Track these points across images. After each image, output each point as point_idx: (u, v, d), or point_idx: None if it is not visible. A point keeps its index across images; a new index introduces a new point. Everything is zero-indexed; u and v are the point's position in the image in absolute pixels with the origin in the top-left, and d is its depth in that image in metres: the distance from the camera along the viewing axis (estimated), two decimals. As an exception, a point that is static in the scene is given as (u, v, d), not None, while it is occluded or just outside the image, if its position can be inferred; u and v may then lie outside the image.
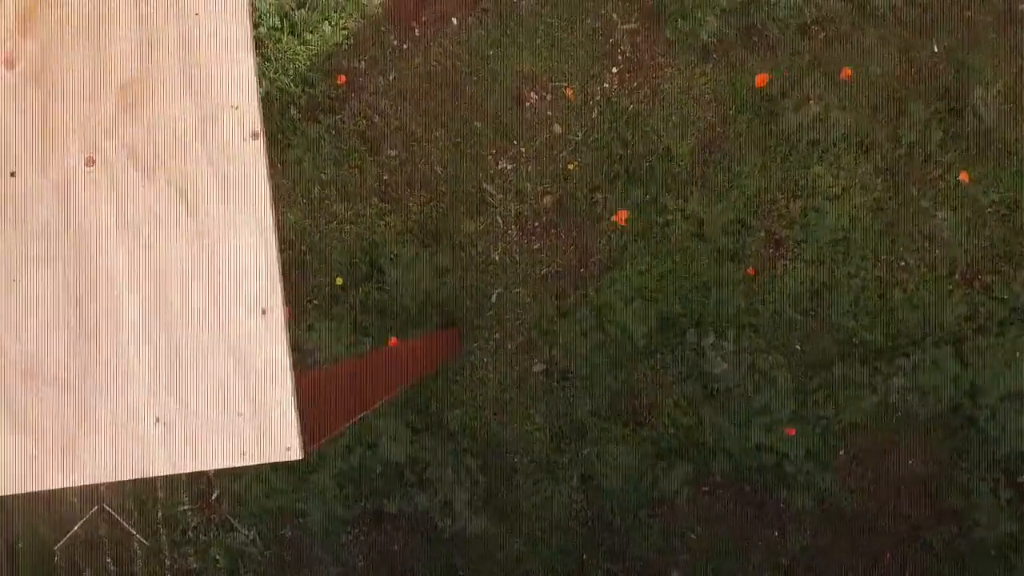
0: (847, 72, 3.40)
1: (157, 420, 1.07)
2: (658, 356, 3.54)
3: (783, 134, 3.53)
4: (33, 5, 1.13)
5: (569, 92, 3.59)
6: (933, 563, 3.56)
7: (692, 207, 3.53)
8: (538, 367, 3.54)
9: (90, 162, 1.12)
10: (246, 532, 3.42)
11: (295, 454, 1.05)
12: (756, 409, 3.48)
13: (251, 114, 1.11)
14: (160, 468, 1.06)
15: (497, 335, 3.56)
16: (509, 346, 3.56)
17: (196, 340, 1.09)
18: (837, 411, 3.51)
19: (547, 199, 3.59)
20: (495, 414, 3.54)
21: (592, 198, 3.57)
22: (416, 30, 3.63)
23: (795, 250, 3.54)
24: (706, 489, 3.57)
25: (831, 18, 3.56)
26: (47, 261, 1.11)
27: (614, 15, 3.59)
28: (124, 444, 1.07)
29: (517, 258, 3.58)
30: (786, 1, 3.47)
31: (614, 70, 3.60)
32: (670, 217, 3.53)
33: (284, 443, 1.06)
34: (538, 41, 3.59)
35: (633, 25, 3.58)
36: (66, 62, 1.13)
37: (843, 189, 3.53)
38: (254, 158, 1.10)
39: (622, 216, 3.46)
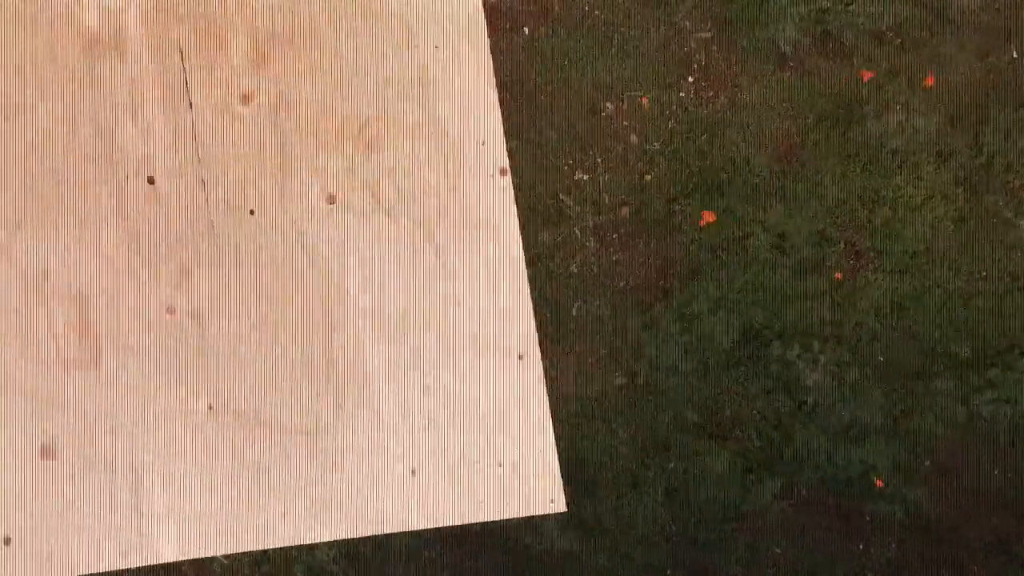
0: (930, 80, 3.36)
1: (413, 472, 1.02)
2: (742, 368, 3.49)
3: (863, 143, 3.49)
4: (268, 40, 1.09)
5: (644, 102, 3.54)
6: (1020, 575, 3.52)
7: (772, 218, 3.48)
8: (620, 380, 3.49)
9: (331, 200, 1.07)
10: (327, 550, 3.37)
11: (559, 506, 1.00)
12: (845, 422, 3.43)
13: (498, 149, 1.06)
14: (417, 521, 1.01)
15: (577, 348, 3.51)
16: (590, 360, 3.51)
17: (449, 387, 1.04)
18: (924, 423, 3.46)
19: (625, 210, 3.54)
20: (577, 428, 3.49)
21: (670, 209, 3.52)
22: (488, 41, 3.59)
23: (876, 261, 3.50)
24: (792, 503, 3.53)
25: (907, 24, 3.51)
26: (288, 301, 1.06)
27: (687, 23, 3.54)
28: (376, 496, 1.02)
29: (596, 270, 3.53)
30: (862, 8, 3.43)
31: (690, 79, 3.55)
32: (749, 229, 3.49)
33: (547, 495, 1.01)
34: (612, 51, 3.54)
35: (707, 34, 3.53)
36: (303, 99, 1.08)
37: (924, 199, 3.48)
38: (503, 195, 1.05)
39: (709, 217, 3.41)
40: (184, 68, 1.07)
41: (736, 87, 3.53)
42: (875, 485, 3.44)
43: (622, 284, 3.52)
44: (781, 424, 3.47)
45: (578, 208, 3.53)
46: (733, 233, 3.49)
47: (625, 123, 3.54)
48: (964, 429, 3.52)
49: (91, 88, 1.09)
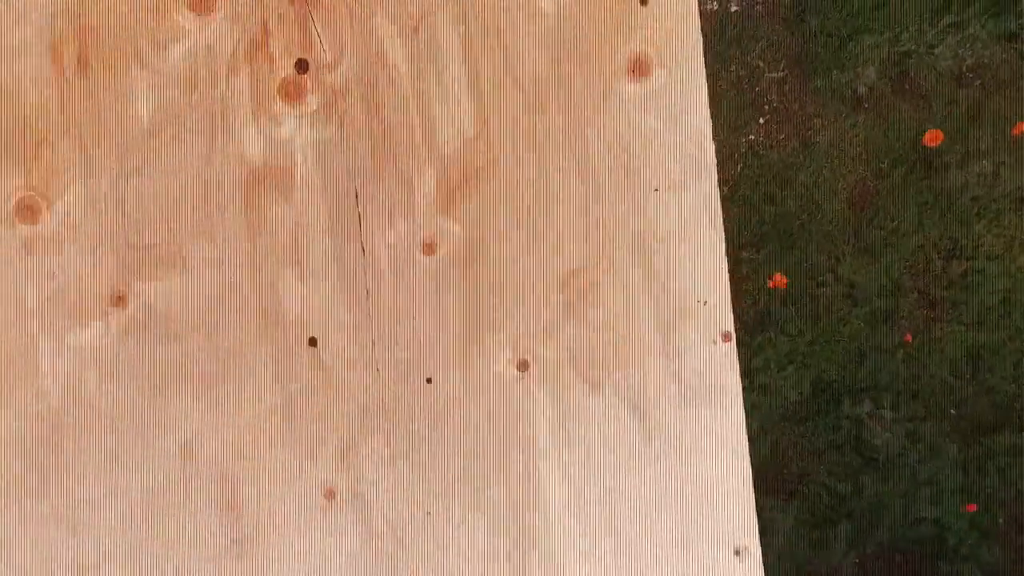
0: (1021, 127, 3.22)
1: None
2: (809, 423, 3.36)
3: (941, 189, 3.35)
4: (459, 177, 0.95)
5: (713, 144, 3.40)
6: (1096, 638, 3.39)
7: (844, 268, 3.35)
8: (684, 435, 3.36)
9: (523, 366, 0.93)
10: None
11: None
12: (921, 479, 3.30)
13: (723, 310, 0.92)
14: None
15: (640, 401, 3.38)
16: (653, 413, 3.38)
17: (656, 583, 0.91)
18: (1001, 480, 3.33)
19: (691, 257, 3.40)
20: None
21: (739, 256, 3.39)
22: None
23: (952, 312, 3.36)
24: (856, 560, 3.40)
25: (988, 65, 3.38)
26: (471, 480, 0.92)
27: (760, 63, 3.40)
28: None
29: (660, 320, 3.39)
30: (947, 51, 3.29)
31: (760, 121, 3.41)
32: (822, 278, 3.35)
33: None
34: (682, 90, 3.40)
35: (780, 73, 3.39)
36: (498, 248, 0.94)
37: (1004, 248, 3.35)
38: (725, 365, 0.92)
39: (781, 280, 3.28)
40: (359, 210, 0.93)
41: (809, 129, 3.39)
42: (968, 510, 3.30)
43: (688, 333, 3.38)
44: (850, 480, 3.34)
45: (643, 254, 3.40)
46: (804, 283, 3.35)
47: (693, 165, 3.40)
48: (1039, 487, 3.39)
49: (250, 231, 0.95)
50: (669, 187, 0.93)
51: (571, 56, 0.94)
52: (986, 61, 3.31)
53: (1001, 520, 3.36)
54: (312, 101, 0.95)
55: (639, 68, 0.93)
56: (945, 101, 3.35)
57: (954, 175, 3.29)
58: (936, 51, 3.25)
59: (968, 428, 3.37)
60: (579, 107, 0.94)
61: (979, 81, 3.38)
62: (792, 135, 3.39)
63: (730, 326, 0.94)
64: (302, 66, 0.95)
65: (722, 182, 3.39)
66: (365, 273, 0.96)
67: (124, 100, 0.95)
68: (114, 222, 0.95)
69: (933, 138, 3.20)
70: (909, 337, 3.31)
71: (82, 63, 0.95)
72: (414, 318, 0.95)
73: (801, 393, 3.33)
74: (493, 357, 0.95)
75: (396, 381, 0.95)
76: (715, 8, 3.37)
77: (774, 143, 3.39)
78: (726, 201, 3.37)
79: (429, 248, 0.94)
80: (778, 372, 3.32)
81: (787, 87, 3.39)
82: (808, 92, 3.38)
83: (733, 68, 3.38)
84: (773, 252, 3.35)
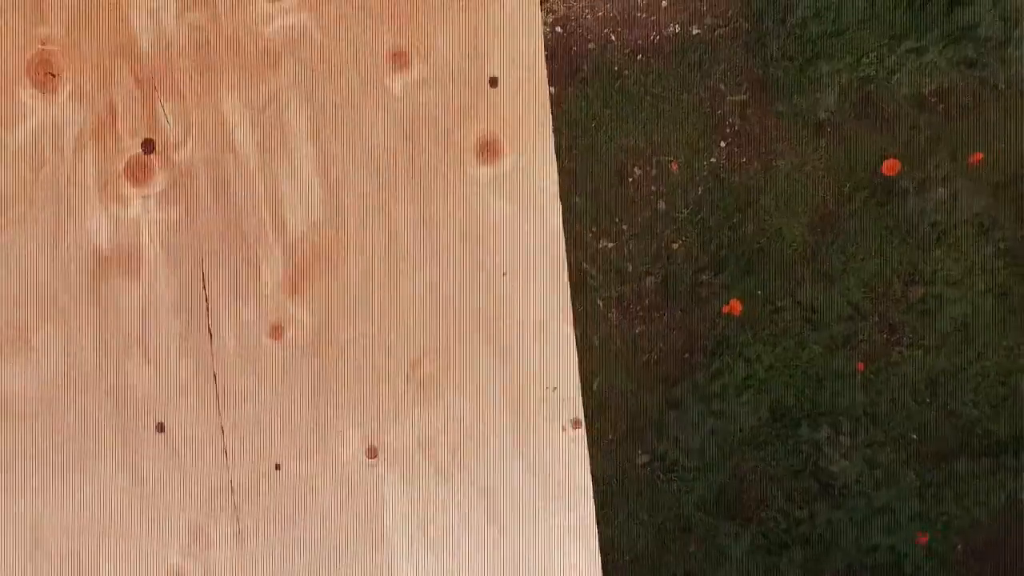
0: (978, 156, 3.21)
1: None
2: (768, 448, 3.35)
3: (902, 215, 3.34)
4: (306, 260, 0.94)
5: (674, 167, 3.39)
6: (1054, 666, 3.38)
7: (804, 292, 3.34)
8: (642, 459, 3.35)
9: (372, 453, 0.92)
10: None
11: None
12: (877, 507, 3.29)
13: (572, 397, 0.91)
14: None
15: (598, 425, 3.36)
16: (611, 436, 3.36)
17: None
18: (960, 507, 3.32)
19: (650, 280, 3.39)
20: (599, 508, 3.34)
21: (698, 279, 3.37)
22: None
23: (911, 336, 3.35)
24: (814, 586, 3.39)
25: (950, 90, 3.36)
26: (322, 568, 0.91)
27: (722, 86, 3.39)
28: None
29: (618, 343, 3.38)
30: (906, 78, 3.27)
31: (722, 144, 3.40)
32: (781, 303, 3.34)
33: None
34: (642, 113, 3.38)
35: (743, 97, 3.38)
36: (346, 333, 0.93)
37: (964, 273, 3.34)
38: (575, 453, 0.91)
39: (736, 306, 3.26)
40: (206, 293, 0.92)
41: (770, 153, 3.37)
42: (920, 542, 3.28)
43: (646, 358, 3.37)
44: (807, 506, 3.33)
45: (601, 277, 3.38)
46: (764, 307, 3.34)
47: (653, 189, 3.38)
48: (1000, 512, 3.37)
49: (97, 312, 0.93)
50: (518, 272, 0.92)
51: (420, 137, 0.93)
52: (946, 87, 3.29)
53: (959, 547, 3.35)
54: (159, 181, 0.94)
55: (489, 151, 0.92)
56: (906, 126, 3.34)
57: (913, 201, 3.27)
58: (896, 77, 3.24)
59: (927, 453, 3.36)
60: (428, 190, 0.93)
61: (942, 106, 3.36)
62: (753, 158, 3.38)
63: (579, 413, 0.92)
64: (149, 146, 0.94)
65: (682, 205, 3.38)
66: (213, 356, 0.94)
67: (-30, 179, 0.94)
68: (-42, 303, 0.94)
69: (891, 167, 3.18)
70: (862, 366, 3.29)
71: (-73, 141, 0.94)
72: (262, 402, 0.94)
73: (759, 418, 3.32)
74: (342, 443, 0.94)
75: (245, 466, 0.94)
76: (676, 31, 3.36)
77: (735, 166, 3.38)
78: (687, 223, 3.37)
79: (276, 332, 0.93)
80: (736, 397, 3.31)
81: (749, 111, 3.37)
82: (770, 116, 3.37)
83: (695, 91, 3.37)
84: (732, 276, 3.34)
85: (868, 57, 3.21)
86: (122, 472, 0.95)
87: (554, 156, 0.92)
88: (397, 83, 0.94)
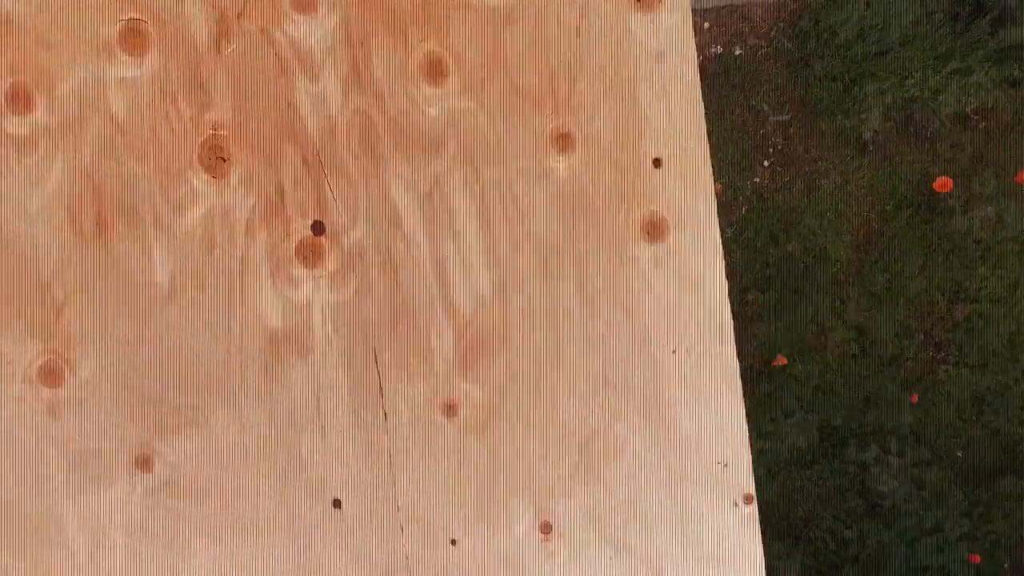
0: (1022, 175, 3.22)
1: None
2: (815, 468, 3.36)
3: (946, 233, 3.35)
4: (476, 337, 0.95)
5: (718, 187, 3.40)
6: None
7: (850, 311, 3.35)
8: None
9: (546, 529, 0.94)
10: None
11: None
12: (923, 524, 3.30)
13: (743, 473, 0.93)
14: None
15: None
16: (659, 458, 3.38)
17: None
18: (1005, 524, 3.33)
19: (696, 301, 3.40)
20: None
21: (743, 299, 3.39)
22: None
23: (957, 354, 3.37)
24: (862, 603, 3.40)
25: (994, 109, 3.38)
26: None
27: (765, 106, 3.40)
28: None
29: (666, 364, 3.39)
30: (946, 97, 3.29)
31: (765, 163, 3.41)
32: (827, 324, 3.35)
33: None
34: (686, 134, 3.39)
35: (785, 117, 3.39)
36: (516, 408, 0.94)
37: (1009, 290, 3.35)
38: (746, 527, 0.92)
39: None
40: (378, 372, 0.93)
41: (814, 173, 3.39)
42: (972, 560, 3.29)
43: (694, 378, 3.38)
44: (855, 525, 3.34)
45: (648, 298, 3.39)
46: (810, 327, 3.35)
47: (698, 210, 3.39)
48: (1045, 529, 3.39)
49: (270, 394, 0.95)
50: (686, 350, 0.93)
51: (584, 218, 0.94)
52: (990, 106, 3.31)
53: (1006, 565, 3.36)
54: (329, 263, 0.95)
55: (653, 230, 0.93)
56: (949, 145, 3.35)
57: (958, 219, 3.29)
58: (941, 97, 3.25)
59: (976, 471, 3.37)
60: (593, 269, 0.94)
61: (984, 124, 3.38)
62: (797, 178, 3.39)
63: (751, 488, 0.94)
64: (319, 228, 0.96)
65: (727, 224, 3.39)
66: (386, 434, 0.96)
67: (142, 262, 0.95)
68: (135, 385, 0.95)
69: (943, 185, 3.20)
70: (915, 398, 3.31)
71: (100, 226, 0.95)
72: (437, 479, 0.95)
73: (808, 439, 3.33)
74: (515, 519, 0.95)
75: (420, 542, 0.95)
76: (719, 51, 3.37)
77: (779, 186, 3.40)
78: (731, 243, 3.38)
79: (450, 410, 0.95)
80: (785, 418, 3.32)
81: (792, 130, 3.39)
82: (813, 136, 3.38)
83: (737, 111, 3.38)
84: (778, 296, 3.35)
85: (913, 77, 3.23)
86: (297, 551, 0.96)
87: (718, 232, 0.94)
88: (560, 164, 0.95)
